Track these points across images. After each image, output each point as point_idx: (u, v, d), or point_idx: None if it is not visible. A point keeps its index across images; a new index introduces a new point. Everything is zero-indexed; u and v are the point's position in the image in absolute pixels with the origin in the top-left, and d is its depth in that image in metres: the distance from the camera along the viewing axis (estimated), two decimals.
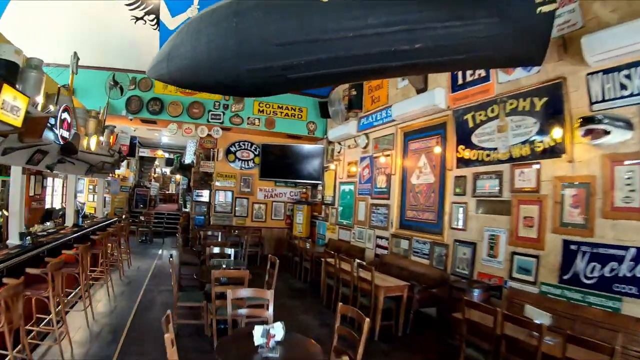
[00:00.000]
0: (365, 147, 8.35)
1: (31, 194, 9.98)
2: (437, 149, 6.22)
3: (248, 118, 10.28)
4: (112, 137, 8.50)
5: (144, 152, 16.55)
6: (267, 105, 10.47)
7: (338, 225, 9.39)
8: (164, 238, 13.38)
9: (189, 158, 13.44)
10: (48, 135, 4.76)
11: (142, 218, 12.92)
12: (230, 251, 6.04)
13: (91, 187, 14.32)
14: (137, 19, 8.33)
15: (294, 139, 11.25)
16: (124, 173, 15.02)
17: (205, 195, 11.73)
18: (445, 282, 5.71)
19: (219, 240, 8.25)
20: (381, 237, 7.57)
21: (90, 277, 6.02)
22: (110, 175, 14.73)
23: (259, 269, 8.35)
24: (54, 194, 11.83)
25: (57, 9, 8.53)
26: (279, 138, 11.25)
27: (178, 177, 17.95)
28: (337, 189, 9.69)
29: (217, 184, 11.32)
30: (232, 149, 11.43)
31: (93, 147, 6.58)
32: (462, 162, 5.74)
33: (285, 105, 10.59)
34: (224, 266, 5.13)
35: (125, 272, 8.02)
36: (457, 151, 5.85)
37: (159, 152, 16.09)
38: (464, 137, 5.74)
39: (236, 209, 11.38)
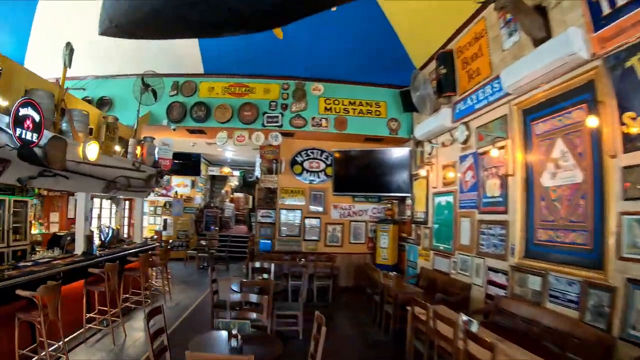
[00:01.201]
0: (465, 142, 6.32)
1: (71, 215, 9.75)
2: (586, 125, 4.05)
3: (313, 119, 8.88)
4: (139, 148, 7.70)
5: (213, 171, 16.23)
6: (336, 102, 8.96)
7: (433, 251, 7.34)
8: (228, 264, 12.40)
9: (258, 174, 12.60)
10: None
11: (202, 242, 12.20)
12: (254, 298, 4.48)
13: (152, 208, 14.17)
14: None
15: (372, 142, 9.55)
16: (189, 193, 14.69)
17: (271, 216, 10.56)
18: (608, 352, 3.52)
19: (265, 275, 6.84)
20: (496, 270, 5.36)
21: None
22: (160, 193, 14.54)
23: (327, 309, 6.98)
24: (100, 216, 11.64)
25: (86, 17, 8.31)
26: (354, 143, 9.65)
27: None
28: (430, 203, 7.69)
29: (282, 201, 10.06)
30: (298, 158, 10.10)
31: (92, 156, 5.59)
32: (635, 141, 3.57)
33: (359, 101, 8.98)
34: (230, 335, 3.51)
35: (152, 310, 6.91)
36: (622, 123, 3.65)
37: (226, 169, 15.56)
38: (633, 98, 3.58)
39: (306, 231, 9.97)
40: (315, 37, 7.81)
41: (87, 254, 6.40)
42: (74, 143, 5.48)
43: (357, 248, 9.92)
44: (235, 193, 16.47)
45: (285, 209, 9.99)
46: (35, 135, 4.50)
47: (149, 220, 13.89)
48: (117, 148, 6.94)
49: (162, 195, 14.07)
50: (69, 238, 6.86)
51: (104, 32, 2.59)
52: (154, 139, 8.73)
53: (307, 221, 9.91)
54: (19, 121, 4.25)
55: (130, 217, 12.16)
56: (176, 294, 8.43)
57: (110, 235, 7.73)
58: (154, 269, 8.40)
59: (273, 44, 8.15)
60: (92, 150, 5.75)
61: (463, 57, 6.43)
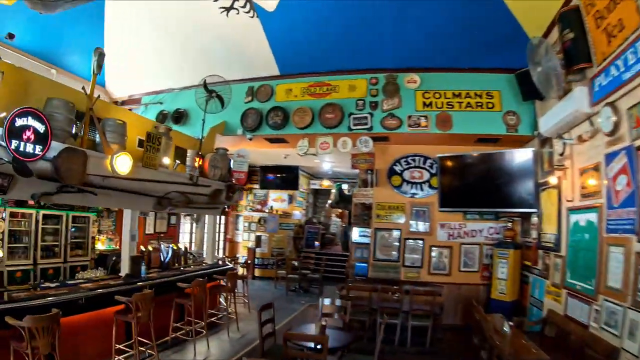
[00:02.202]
0: (613, 132, 4.40)
1: (149, 231, 9.77)
2: None
3: (409, 118, 7.57)
4: (199, 160, 7.26)
5: (315, 184, 15.64)
6: (436, 95, 7.52)
7: (566, 290, 5.34)
8: (321, 287, 11.50)
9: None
10: None
11: (295, 263, 11.55)
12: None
13: (246, 224, 14.00)
14: (226, 9, 7.07)
15: (485, 143, 7.83)
16: (286, 208, 14.27)
17: (367, 235, 9.47)
18: None
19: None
20: None
21: None
22: (255, 209, 14.19)
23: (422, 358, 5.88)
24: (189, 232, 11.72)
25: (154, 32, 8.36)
26: (462, 146, 8.03)
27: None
28: (563, 221, 5.72)
29: (378, 219, 8.87)
30: (397, 167, 8.80)
31: (123, 170, 5.20)
32: None
33: (465, 92, 7.39)
34: None
35: (214, 344, 6.48)
36: None
37: (325, 183, 14.80)
38: None
39: (406, 255, 8.59)
40: (401, 20, 6.65)
41: (130, 277, 6.09)
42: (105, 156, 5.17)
43: (468, 277, 8.18)
44: (333, 208, 15.76)
45: (382, 228, 8.79)
46: (39, 148, 4.17)
47: (243, 237, 13.87)
48: (166, 160, 6.52)
49: (257, 210, 13.95)
50: (114, 258, 6.67)
51: None
52: (227, 150, 8.35)
53: (407, 243, 8.57)
54: (15, 133, 3.92)
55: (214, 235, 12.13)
56: (248, 322, 7.81)
57: (169, 255, 7.48)
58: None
59: (354, 34, 7.23)
60: (122, 163, 5.24)
61: (595, 10, 4.57)
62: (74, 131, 5.04)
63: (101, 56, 5.68)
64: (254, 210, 13.94)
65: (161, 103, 9.93)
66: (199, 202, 7.60)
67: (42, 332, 3.88)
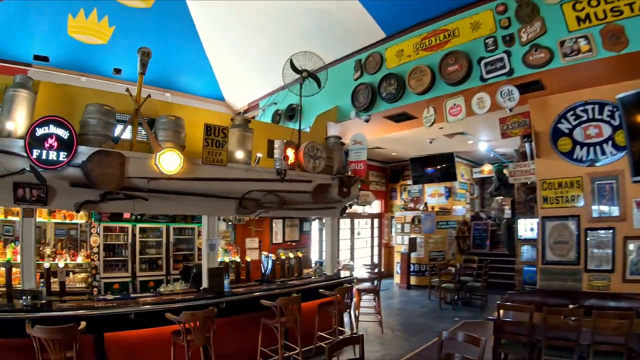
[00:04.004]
0: None
1: (277, 240, 8.86)
2: None
3: (562, 44, 4.80)
4: (293, 152, 5.96)
5: (479, 172, 12.61)
6: (592, 2, 4.66)
7: None
8: (486, 297, 8.85)
9: None
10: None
11: (452, 268, 9.11)
12: None
13: (399, 226, 11.91)
14: None
15: None
16: (445, 204, 11.75)
17: (534, 229, 6.75)
18: None
19: None
20: None
21: None
22: (408, 207, 12.17)
23: None
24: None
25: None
26: None
27: None
28: None
29: (545, 204, 6.10)
30: (562, 126, 5.81)
31: (170, 169, 4.62)
32: None
33: None
34: None
35: None
36: None
37: (486, 168, 11.53)
38: None
39: (588, 254, 5.58)
40: None
41: (206, 291, 5.33)
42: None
43: None
44: (493, 197, 12.36)
45: (551, 216, 6.01)
46: (63, 154, 4.10)
47: (397, 240, 11.95)
48: (240, 155, 5.46)
49: (410, 209, 11.86)
50: (194, 270, 5.85)
51: None
52: (339, 138, 7.01)
53: (589, 235, 5.60)
54: (36, 142, 4.00)
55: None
56: (375, 346, 6.24)
57: (269, 266, 6.35)
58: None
59: None
60: (169, 161, 4.63)
61: None
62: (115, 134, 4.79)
63: (144, 55, 5.21)
64: (406, 210, 11.98)
65: (275, 103, 9.22)
66: (300, 201, 6.32)
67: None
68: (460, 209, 12.05)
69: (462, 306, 8.91)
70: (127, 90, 5.10)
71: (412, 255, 11.08)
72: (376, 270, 9.23)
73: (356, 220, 12.44)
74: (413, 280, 11.14)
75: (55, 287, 5.56)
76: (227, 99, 10.89)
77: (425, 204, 11.89)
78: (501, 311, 4.84)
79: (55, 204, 4.61)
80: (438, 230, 11.22)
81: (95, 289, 6.61)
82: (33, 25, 7.55)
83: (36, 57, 7.94)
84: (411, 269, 11.12)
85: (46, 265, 5.69)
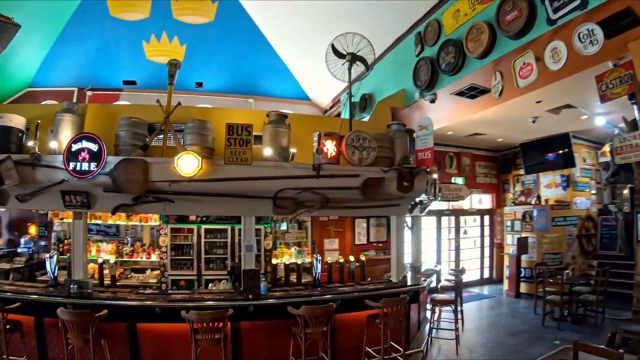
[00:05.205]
0: None
1: (360, 241, 8.22)
2: None
3: None
4: (331, 142, 5.41)
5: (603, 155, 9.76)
6: None
7: None
8: (603, 313, 6.89)
9: None
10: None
11: (564, 274, 7.09)
12: None
13: (509, 223, 9.91)
14: None
15: None
16: (563, 196, 9.40)
17: None
18: None
19: None
20: None
21: None
22: (518, 201, 10.34)
23: None
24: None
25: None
26: None
27: None
28: None
29: None
30: None
31: (187, 171, 4.78)
32: None
33: None
34: None
35: None
36: None
37: (607, 149, 8.69)
38: None
39: None
40: None
41: (240, 293, 5.24)
42: None
43: None
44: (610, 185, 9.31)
45: None
46: (93, 165, 4.72)
47: (506, 241, 10.02)
48: (268, 152, 5.22)
49: (520, 203, 9.89)
50: (236, 271, 5.63)
51: None
52: (403, 125, 6.13)
53: None
54: (72, 155, 4.72)
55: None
56: None
57: (318, 269, 5.83)
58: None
59: None
60: (186, 164, 4.77)
61: None
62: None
63: (172, 66, 5.52)
64: (516, 204, 10.09)
65: (352, 96, 8.65)
66: (349, 199, 5.66)
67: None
68: (583, 202, 9.60)
69: (571, 324, 7.01)
70: (158, 101, 5.35)
71: (523, 257, 9.20)
72: (460, 276, 7.92)
73: (462, 218, 11.08)
74: (523, 287, 9.26)
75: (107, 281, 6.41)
76: (312, 98, 10.68)
77: (538, 196, 9.88)
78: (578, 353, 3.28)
79: (97, 207, 5.17)
80: (553, 228, 9.15)
81: (164, 284, 7.07)
82: (117, 56, 8.34)
83: (125, 82, 8.77)
84: (521, 274, 9.26)
85: (99, 260, 6.63)
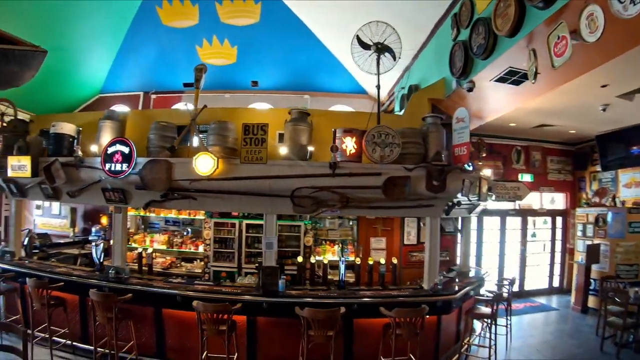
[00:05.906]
0: None
1: (409, 241, 7.80)
2: None
3: None
4: (350, 139, 5.38)
5: None
6: None
7: None
8: None
9: None
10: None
11: (616, 298, 6.10)
12: None
13: (581, 227, 8.77)
14: None
15: None
16: None
17: None
18: None
19: None
20: None
21: None
22: (592, 202, 9.05)
23: None
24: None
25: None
26: None
27: None
28: None
29: None
30: None
31: (204, 170, 5.20)
32: None
33: None
34: None
35: None
36: None
37: None
38: None
39: None
40: None
41: (256, 290, 5.42)
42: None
43: None
44: None
45: None
46: (125, 165, 5.39)
47: (577, 247, 8.79)
48: (284, 150, 5.44)
49: (594, 205, 8.69)
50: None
51: None
52: (441, 118, 5.80)
53: None
54: (108, 157, 5.46)
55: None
56: None
57: (342, 269, 5.83)
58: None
59: None
60: (203, 164, 5.18)
61: None
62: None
63: (198, 71, 5.85)
64: (589, 205, 8.90)
65: (403, 88, 8.33)
66: (372, 198, 5.44)
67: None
68: None
69: (634, 352, 5.93)
70: (186, 104, 5.65)
71: (593, 267, 8.08)
72: (505, 287, 7.22)
73: (530, 219, 10.15)
74: (591, 301, 8.11)
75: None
76: (369, 92, 10.49)
77: (614, 197, 8.58)
78: None
79: (133, 203, 5.84)
80: (630, 235, 7.81)
81: (207, 274, 7.52)
82: (175, 60, 8.94)
83: (185, 85, 9.31)
84: (590, 287, 8.17)
85: (139, 249, 7.34)
